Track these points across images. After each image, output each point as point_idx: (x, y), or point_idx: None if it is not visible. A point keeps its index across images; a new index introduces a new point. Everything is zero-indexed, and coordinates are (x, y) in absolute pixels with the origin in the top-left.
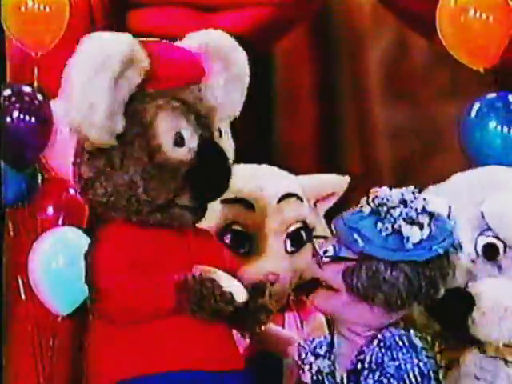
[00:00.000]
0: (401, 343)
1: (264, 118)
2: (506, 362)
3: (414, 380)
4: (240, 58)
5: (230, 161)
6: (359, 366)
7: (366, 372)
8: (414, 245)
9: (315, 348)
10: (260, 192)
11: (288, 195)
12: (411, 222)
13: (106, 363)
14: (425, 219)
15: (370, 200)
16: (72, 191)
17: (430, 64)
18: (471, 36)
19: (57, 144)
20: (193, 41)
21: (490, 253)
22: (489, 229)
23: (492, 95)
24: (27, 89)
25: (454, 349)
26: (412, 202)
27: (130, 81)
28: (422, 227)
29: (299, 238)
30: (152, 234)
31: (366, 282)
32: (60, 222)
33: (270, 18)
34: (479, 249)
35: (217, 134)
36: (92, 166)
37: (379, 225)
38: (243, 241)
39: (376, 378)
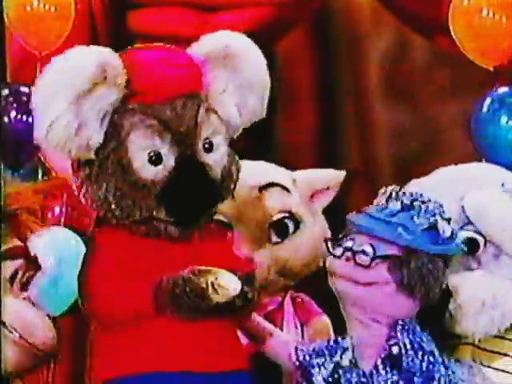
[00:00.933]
0: (418, 328)
1: (263, 118)
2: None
3: (438, 356)
4: (251, 61)
5: (217, 174)
6: (395, 350)
7: (410, 353)
8: (446, 239)
9: (314, 349)
10: (240, 181)
11: (270, 185)
12: (444, 217)
13: (98, 363)
14: (449, 216)
15: (396, 195)
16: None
17: (430, 64)
18: (484, 36)
19: None
20: (202, 46)
21: (471, 247)
22: (470, 223)
23: (504, 90)
24: (25, 89)
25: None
26: (434, 199)
27: (102, 96)
28: (449, 223)
29: (285, 228)
30: (145, 240)
31: (416, 275)
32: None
33: (270, 17)
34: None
35: (200, 149)
36: (77, 176)
37: (416, 219)
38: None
39: (420, 357)
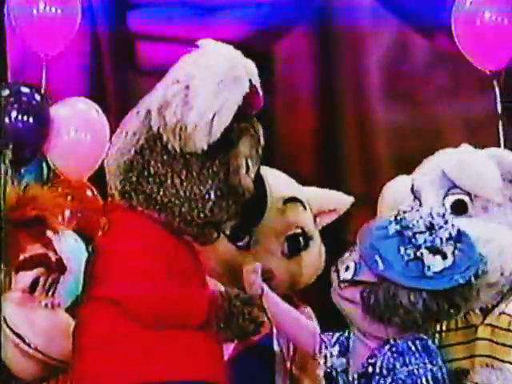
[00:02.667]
0: (413, 348)
1: (264, 117)
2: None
3: None
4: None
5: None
6: (370, 369)
7: (377, 377)
8: (434, 273)
9: (335, 343)
10: (268, 190)
11: (294, 199)
12: (435, 250)
13: (114, 362)
14: (449, 248)
15: (398, 219)
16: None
17: (430, 64)
18: (485, 38)
19: (63, 145)
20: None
21: (459, 208)
22: (453, 187)
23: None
24: (25, 89)
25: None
26: (440, 228)
27: (236, 99)
28: (445, 256)
29: (297, 243)
30: (174, 239)
31: (383, 304)
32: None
33: (270, 18)
34: (447, 207)
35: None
36: (167, 165)
37: (402, 249)
38: (243, 234)
39: (388, 381)
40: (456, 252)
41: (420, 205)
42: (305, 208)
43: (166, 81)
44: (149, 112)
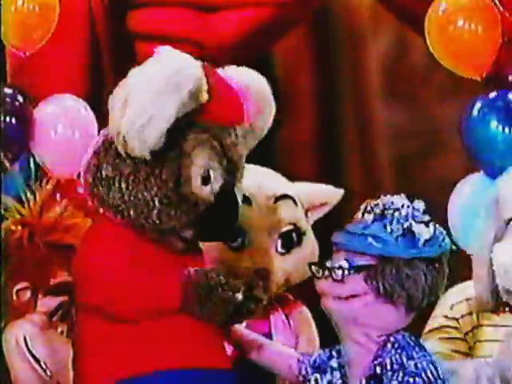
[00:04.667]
0: (412, 343)
1: None
2: None
3: (431, 376)
4: (269, 98)
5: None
6: (378, 370)
7: (389, 374)
8: (425, 242)
9: (315, 362)
10: (258, 189)
11: (285, 196)
12: (419, 220)
13: (105, 362)
14: (426, 217)
15: (370, 208)
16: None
17: (430, 64)
18: (460, 46)
19: (52, 145)
20: (234, 78)
21: None
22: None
23: (493, 94)
24: (8, 90)
25: None
26: (411, 203)
27: (185, 104)
28: (427, 225)
29: (290, 240)
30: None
31: (392, 281)
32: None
33: (270, 17)
34: None
35: (238, 179)
36: (116, 169)
37: (389, 227)
38: (236, 234)
39: (400, 378)
40: (431, 222)
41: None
42: (296, 204)
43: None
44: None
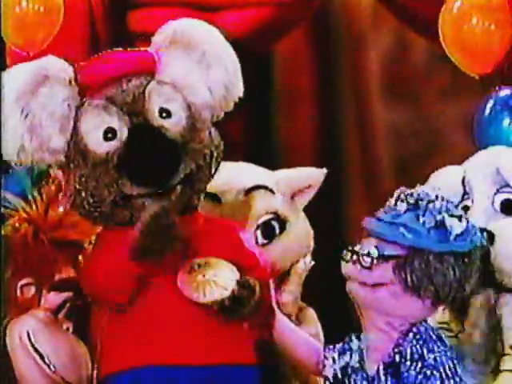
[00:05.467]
0: (434, 337)
1: (264, 117)
2: None
3: (449, 372)
4: (201, 38)
5: (175, 134)
6: (398, 358)
7: (408, 363)
8: (456, 236)
9: (338, 353)
10: (226, 185)
11: (256, 187)
12: (451, 214)
13: (100, 356)
14: (460, 212)
15: (404, 197)
16: None
17: (431, 64)
18: (473, 44)
19: None
20: (158, 35)
21: (509, 208)
22: (505, 185)
23: (506, 92)
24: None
25: None
26: (443, 197)
27: (50, 95)
28: (460, 219)
29: (271, 229)
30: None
31: (420, 274)
32: None
33: (270, 18)
34: (497, 205)
35: (155, 116)
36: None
37: (421, 218)
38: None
39: (418, 369)
40: (463, 216)
41: (469, 198)
42: (273, 192)
43: None
44: None
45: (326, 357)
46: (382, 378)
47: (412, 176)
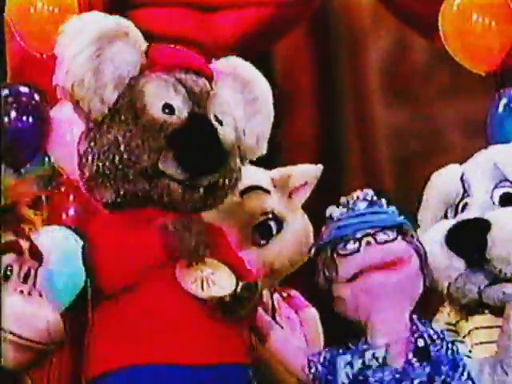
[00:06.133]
0: (427, 321)
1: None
2: None
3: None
4: (257, 86)
5: (226, 142)
6: (421, 343)
7: (438, 342)
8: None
9: (325, 358)
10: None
11: (251, 188)
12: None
13: (96, 354)
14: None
15: (359, 198)
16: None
17: (430, 64)
18: (474, 41)
19: (67, 146)
20: (221, 62)
21: (508, 202)
22: (504, 180)
23: None
24: (24, 89)
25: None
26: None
27: (122, 51)
28: None
29: (268, 229)
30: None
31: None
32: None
33: (270, 18)
34: (496, 199)
35: (211, 118)
36: (86, 140)
37: (385, 207)
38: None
39: (445, 346)
40: None
41: (468, 194)
42: (268, 192)
43: None
44: None
45: (316, 376)
46: (416, 364)
47: (412, 176)
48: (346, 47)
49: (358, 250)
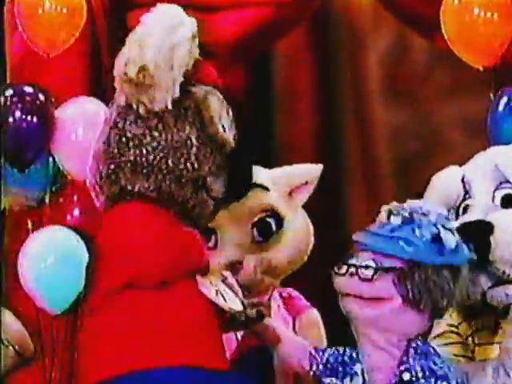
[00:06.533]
0: (431, 349)
1: (263, 118)
2: None
3: (453, 381)
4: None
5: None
6: (406, 376)
7: (422, 380)
8: (451, 250)
9: (328, 361)
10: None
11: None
12: (446, 227)
13: (96, 359)
14: (452, 225)
15: (397, 211)
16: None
17: (430, 64)
18: (475, 34)
19: (72, 147)
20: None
21: (509, 203)
22: (505, 181)
23: None
24: (29, 89)
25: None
26: (436, 210)
27: (192, 51)
28: (453, 233)
29: (267, 226)
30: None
31: (420, 287)
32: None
33: (270, 18)
34: (497, 201)
35: None
36: (141, 125)
37: (417, 231)
38: (208, 235)
39: (432, 383)
40: (455, 230)
41: (469, 196)
42: (267, 189)
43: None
44: (114, 91)
45: (317, 376)
46: None
47: (412, 176)
48: (346, 47)
49: (344, 275)
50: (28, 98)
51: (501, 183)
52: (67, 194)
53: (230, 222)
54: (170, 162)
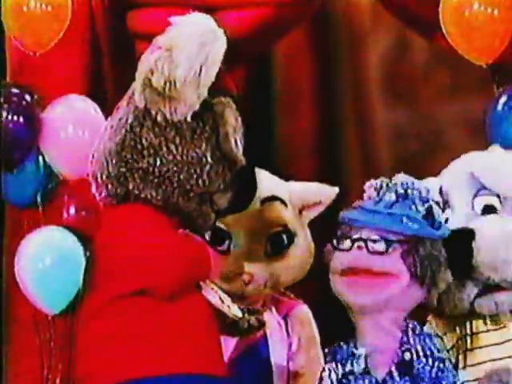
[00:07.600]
0: (431, 333)
1: (263, 118)
2: None
3: (448, 361)
4: None
5: None
6: (407, 356)
7: (423, 359)
8: (440, 223)
9: (328, 352)
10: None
11: (272, 198)
12: (436, 202)
13: (101, 365)
14: (438, 198)
15: (392, 186)
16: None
17: (430, 64)
18: (475, 30)
19: (62, 146)
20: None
21: (488, 210)
22: (482, 188)
23: None
24: (15, 89)
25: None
26: (425, 185)
27: (215, 67)
28: (440, 206)
29: (280, 241)
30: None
31: (425, 261)
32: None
33: (270, 17)
34: (477, 209)
35: None
36: (158, 134)
37: (413, 207)
38: (223, 238)
39: (431, 363)
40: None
41: (449, 207)
42: (285, 205)
43: (144, 57)
44: (133, 93)
45: (323, 368)
46: (397, 378)
47: (412, 176)
48: (346, 47)
49: (349, 249)
50: (15, 99)
51: (478, 190)
52: (60, 194)
53: (247, 230)
54: (182, 176)
